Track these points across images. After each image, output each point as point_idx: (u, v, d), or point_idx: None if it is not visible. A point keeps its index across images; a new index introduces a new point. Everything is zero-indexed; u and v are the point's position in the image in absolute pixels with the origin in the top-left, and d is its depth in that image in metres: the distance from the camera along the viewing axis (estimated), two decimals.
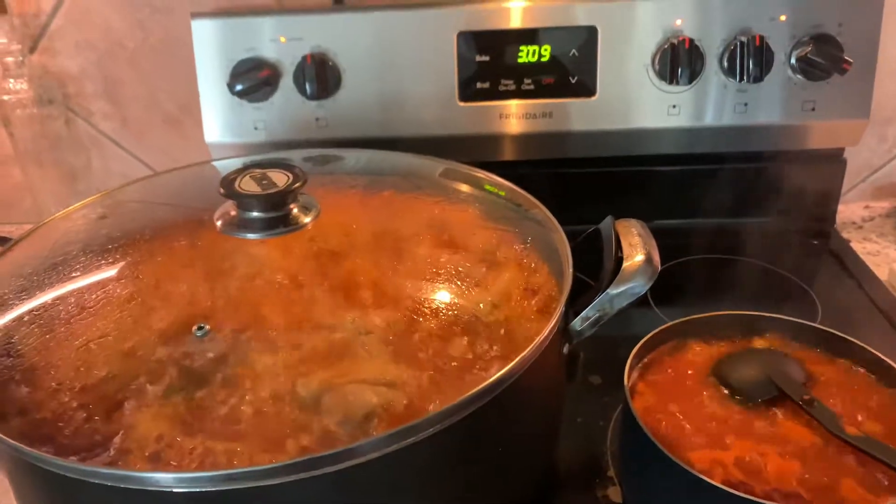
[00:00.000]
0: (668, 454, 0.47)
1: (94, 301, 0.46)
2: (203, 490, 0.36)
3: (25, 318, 0.45)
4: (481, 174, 0.63)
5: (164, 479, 0.37)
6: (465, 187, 0.62)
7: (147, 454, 0.39)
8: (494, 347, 0.45)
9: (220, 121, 0.80)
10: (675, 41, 0.75)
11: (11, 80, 0.82)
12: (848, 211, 0.92)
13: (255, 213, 0.48)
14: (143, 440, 0.40)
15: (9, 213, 0.97)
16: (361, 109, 0.78)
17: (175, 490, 0.36)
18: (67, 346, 0.43)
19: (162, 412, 0.41)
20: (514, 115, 0.79)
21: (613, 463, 0.58)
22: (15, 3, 0.83)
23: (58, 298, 0.46)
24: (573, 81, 0.77)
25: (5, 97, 0.83)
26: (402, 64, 0.77)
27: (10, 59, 0.82)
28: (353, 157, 0.68)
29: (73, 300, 0.46)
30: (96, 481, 0.37)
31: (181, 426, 0.40)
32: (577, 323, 0.48)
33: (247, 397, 0.42)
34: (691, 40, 0.74)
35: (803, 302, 0.74)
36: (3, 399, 0.42)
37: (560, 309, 0.45)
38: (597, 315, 0.48)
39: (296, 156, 0.66)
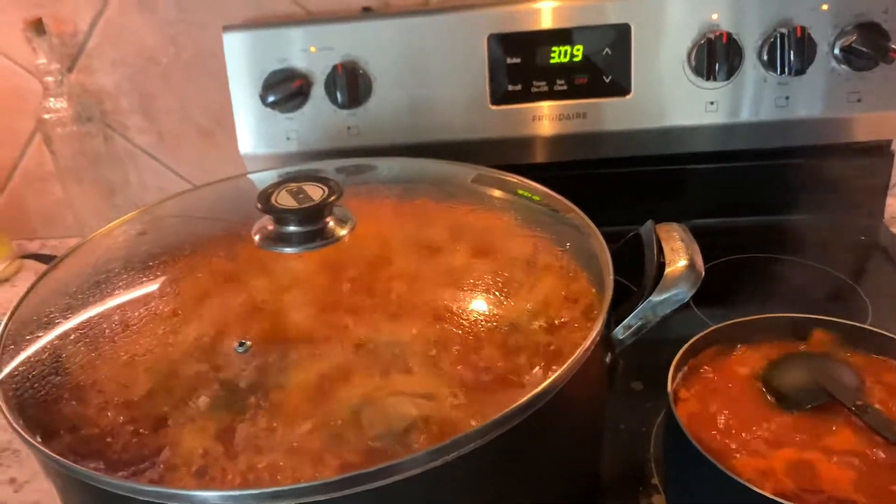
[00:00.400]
0: (714, 462, 0.46)
1: (137, 318, 0.46)
2: None
3: (72, 337, 0.46)
4: (514, 179, 0.62)
5: (211, 497, 0.37)
6: (499, 193, 0.61)
7: (193, 470, 0.39)
8: (535, 358, 0.44)
9: (253, 132, 0.81)
10: (712, 36, 0.73)
11: (52, 100, 0.84)
12: None
13: (291, 228, 0.49)
14: (188, 456, 0.40)
15: (51, 229, 0.99)
16: (393, 116, 0.78)
17: None
18: (113, 363, 0.44)
19: (206, 428, 0.41)
20: (546, 117, 0.78)
21: (657, 470, 0.56)
22: (53, 23, 0.84)
23: (102, 316, 0.47)
24: (607, 81, 0.76)
25: (46, 116, 0.84)
26: (432, 69, 0.77)
27: (49, 79, 0.83)
28: (386, 167, 0.68)
29: (116, 317, 0.46)
30: (144, 498, 0.38)
31: (224, 442, 0.41)
32: (619, 331, 0.47)
33: (287, 412, 0.42)
34: (729, 34, 0.73)
35: (852, 301, 0.71)
36: (53, 416, 0.42)
37: (602, 317, 0.44)
38: (639, 323, 0.47)
39: (328, 167, 0.66)
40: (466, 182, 0.63)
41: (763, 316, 0.57)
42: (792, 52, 0.73)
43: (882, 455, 0.46)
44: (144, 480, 0.38)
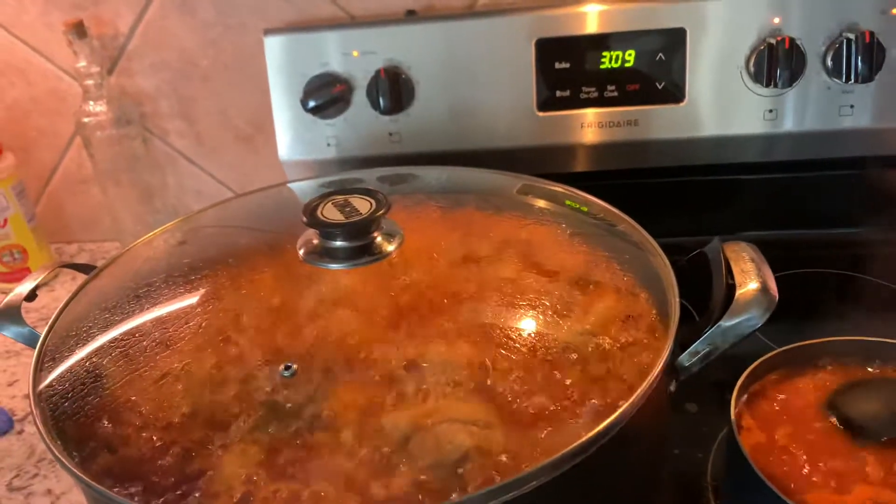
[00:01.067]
0: (785, 499, 0.43)
1: (179, 337, 0.45)
2: None
3: (111, 354, 0.45)
4: (564, 189, 0.59)
5: None
6: (550, 205, 0.59)
7: (235, 499, 0.38)
8: (596, 386, 0.41)
9: (292, 138, 0.79)
10: (773, 41, 0.69)
11: (91, 103, 0.83)
12: None
13: (338, 242, 0.46)
14: (230, 482, 0.38)
15: (90, 232, 0.99)
16: (436, 123, 0.76)
17: None
18: (153, 383, 0.43)
19: (248, 453, 0.39)
20: (595, 124, 0.75)
21: (716, 500, 0.53)
22: (93, 26, 0.84)
23: (142, 334, 0.45)
24: (660, 87, 0.73)
25: (85, 119, 0.84)
26: (477, 74, 0.75)
27: (90, 82, 0.83)
28: (429, 176, 0.65)
29: (157, 335, 0.45)
30: None
31: (267, 468, 0.39)
32: (684, 358, 0.44)
33: (333, 438, 0.40)
34: (791, 39, 0.69)
35: None
36: (90, 436, 0.41)
37: (669, 344, 0.41)
38: (707, 349, 0.44)
39: (370, 176, 0.64)
40: (514, 193, 0.60)
41: (832, 339, 0.54)
42: (859, 59, 0.69)
43: None
44: None
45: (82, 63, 0.82)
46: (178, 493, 0.38)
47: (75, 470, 0.38)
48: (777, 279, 0.74)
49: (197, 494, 0.38)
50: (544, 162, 0.77)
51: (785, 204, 0.81)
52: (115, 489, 0.38)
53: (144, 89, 0.88)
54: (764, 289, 0.43)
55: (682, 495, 0.54)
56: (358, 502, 0.37)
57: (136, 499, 0.37)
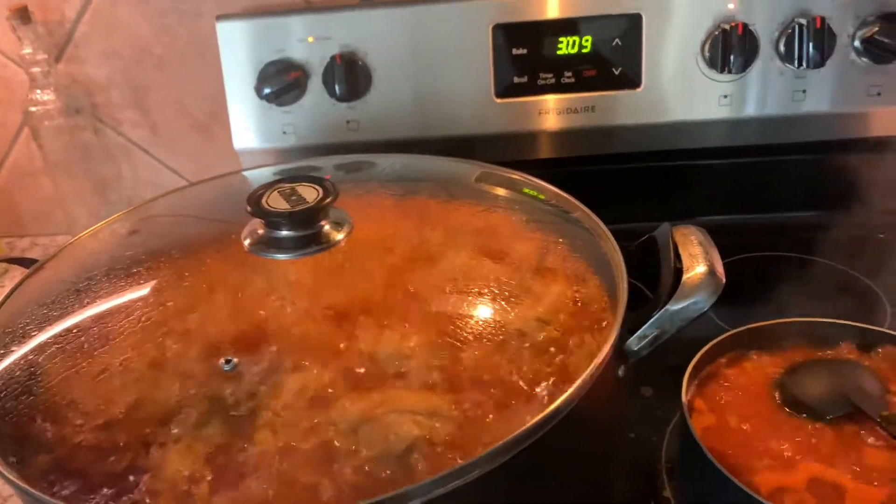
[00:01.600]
0: (733, 480, 0.44)
1: (119, 331, 0.43)
2: None
3: (48, 351, 0.43)
4: (520, 177, 0.59)
5: None
6: (504, 192, 0.58)
7: (176, 495, 0.37)
8: (545, 372, 0.41)
9: (248, 126, 0.78)
10: (727, 27, 0.70)
11: (38, 91, 0.81)
12: None
13: (284, 232, 0.46)
14: (171, 480, 0.37)
15: (41, 226, 0.96)
16: (393, 110, 0.75)
17: None
18: (91, 380, 0.41)
19: (190, 450, 0.39)
20: (553, 111, 0.75)
21: (670, 483, 0.54)
22: (38, 11, 0.81)
23: (81, 329, 0.44)
24: (616, 73, 0.73)
25: (32, 108, 0.81)
26: (434, 61, 0.74)
27: (36, 70, 0.80)
28: (385, 163, 0.65)
29: (96, 330, 0.44)
30: None
31: (210, 465, 0.38)
32: (633, 342, 0.44)
33: (278, 431, 0.39)
34: (745, 25, 0.69)
35: (870, 303, 0.69)
36: (25, 440, 0.40)
37: (616, 329, 0.41)
38: (655, 333, 0.44)
39: (326, 163, 0.64)
40: (470, 180, 0.60)
41: (781, 321, 0.55)
42: (811, 44, 0.70)
43: None
44: None
45: (28, 50, 0.79)
46: (117, 491, 0.37)
47: (2, 470, 0.37)
48: (733, 263, 0.75)
49: (137, 493, 0.37)
50: (505, 149, 0.77)
51: (743, 189, 0.82)
52: (53, 490, 0.37)
53: (95, 78, 0.86)
54: (711, 272, 0.44)
55: (638, 478, 0.55)
56: (304, 495, 0.37)
57: (71, 501, 0.36)
